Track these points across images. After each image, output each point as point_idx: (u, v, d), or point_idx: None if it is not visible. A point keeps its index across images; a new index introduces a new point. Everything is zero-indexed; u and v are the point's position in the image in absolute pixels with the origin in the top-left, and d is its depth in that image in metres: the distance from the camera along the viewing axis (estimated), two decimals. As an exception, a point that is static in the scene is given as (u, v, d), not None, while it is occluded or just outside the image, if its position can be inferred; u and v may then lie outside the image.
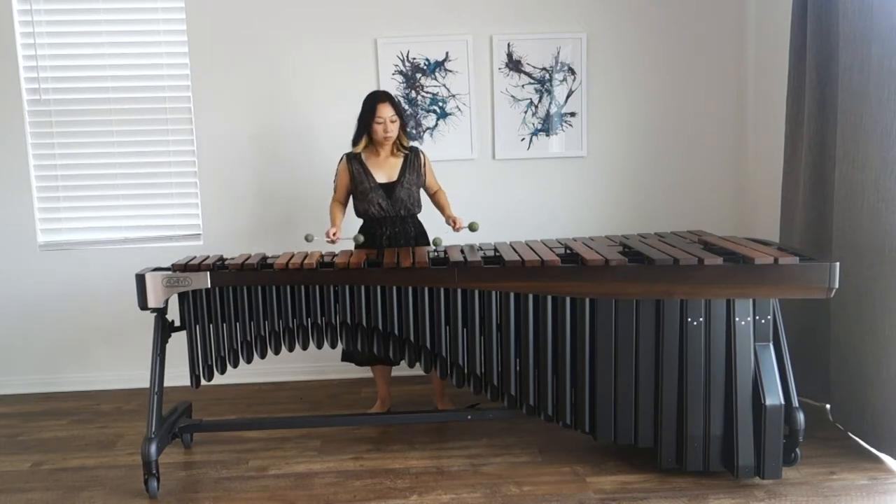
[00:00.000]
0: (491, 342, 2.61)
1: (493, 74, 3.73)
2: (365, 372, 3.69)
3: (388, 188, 3.05)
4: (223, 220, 3.75)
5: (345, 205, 3.17)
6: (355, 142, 3.07)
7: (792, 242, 3.17)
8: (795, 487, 2.50)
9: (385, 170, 3.07)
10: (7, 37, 3.58)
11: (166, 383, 2.71)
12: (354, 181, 3.07)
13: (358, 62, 3.69)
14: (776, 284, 2.43)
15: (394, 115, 2.99)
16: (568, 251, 2.71)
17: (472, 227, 2.95)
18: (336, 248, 3.05)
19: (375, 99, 3.00)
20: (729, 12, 3.76)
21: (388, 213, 3.05)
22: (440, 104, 3.74)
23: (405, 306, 2.62)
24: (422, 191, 3.16)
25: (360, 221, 3.17)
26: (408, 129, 3.16)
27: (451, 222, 3.08)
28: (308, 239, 2.92)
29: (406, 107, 3.70)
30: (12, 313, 3.74)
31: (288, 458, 2.85)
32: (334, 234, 2.97)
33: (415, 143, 3.51)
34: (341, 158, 3.13)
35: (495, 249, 2.79)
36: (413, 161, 3.10)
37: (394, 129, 3.00)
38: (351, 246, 3.12)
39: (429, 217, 3.20)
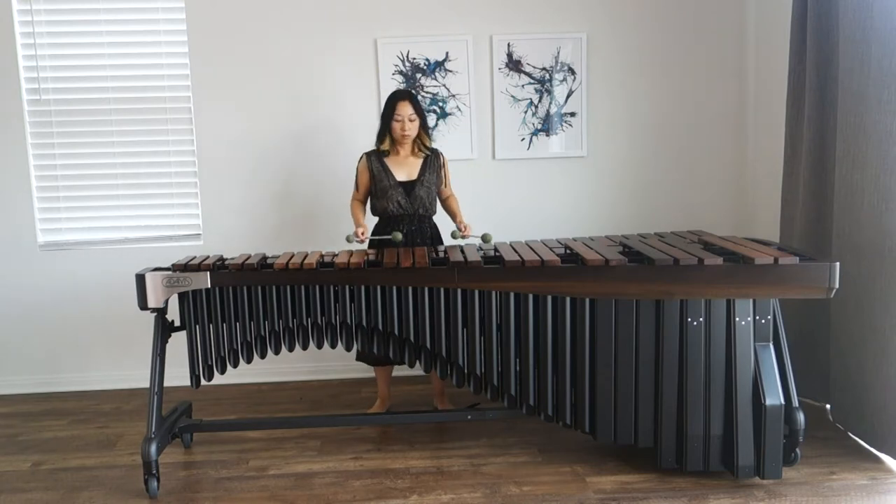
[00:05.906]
0: (491, 342, 2.61)
1: (493, 74, 3.73)
2: (365, 372, 3.69)
3: (408, 186, 3.06)
4: (223, 220, 3.75)
5: (365, 203, 3.19)
6: (379, 140, 3.09)
7: (792, 242, 3.17)
8: (795, 487, 2.50)
9: (405, 168, 3.08)
10: (7, 37, 3.58)
11: (166, 383, 2.71)
12: (374, 179, 3.08)
13: (358, 62, 3.69)
14: (776, 284, 2.43)
15: (413, 114, 3.00)
16: (568, 251, 2.71)
17: (486, 239, 2.95)
18: (364, 246, 3.05)
19: (395, 97, 3.03)
20: (729, 12, 3.76)
21: (407, 211, 3.06)
22: (440, 104, 3.73)
23: (405, 306, 2.62)
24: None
25: (373, 220, 3.16)
26: (430, 130, 3.14)
27: (462, 228, 3.06)
28: (349, 240, 2.95)
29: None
30: (12, 313, 3.74)
31: (288, 458, 2.85)
32: (362, 234, 2.99)
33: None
34: (361, 157, 3.13)
35: (495, 249, 2.78)
36: (433, 161, 3.12)
37: (412, 128, 3.02)
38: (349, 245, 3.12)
39: (439, 221, 3.20)
